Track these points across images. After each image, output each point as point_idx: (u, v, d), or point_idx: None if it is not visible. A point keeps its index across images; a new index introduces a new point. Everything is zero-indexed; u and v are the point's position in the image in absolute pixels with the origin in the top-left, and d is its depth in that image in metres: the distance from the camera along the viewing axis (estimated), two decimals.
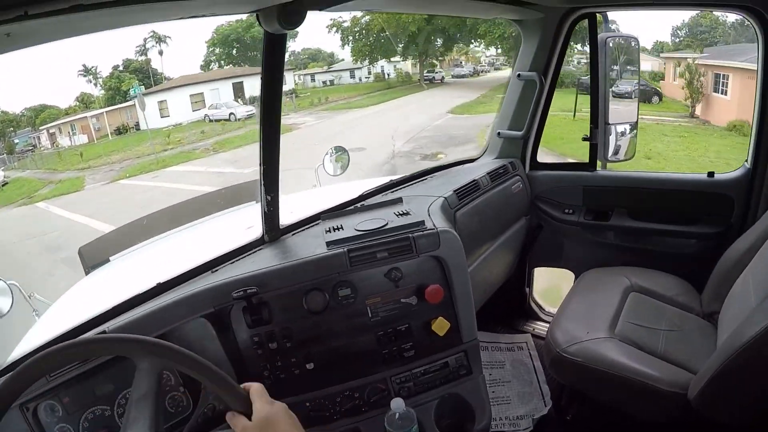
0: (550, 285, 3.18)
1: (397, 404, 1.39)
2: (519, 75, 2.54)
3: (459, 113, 18.66)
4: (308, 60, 33.28)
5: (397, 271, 1.63)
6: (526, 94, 2.57)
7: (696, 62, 13.19)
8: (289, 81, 31.85)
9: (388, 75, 34.82)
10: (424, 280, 1.64)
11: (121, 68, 26.13)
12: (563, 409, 2.43)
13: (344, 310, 1.59)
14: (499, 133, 2.71)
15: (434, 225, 1.65)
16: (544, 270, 3.01)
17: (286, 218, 1.80)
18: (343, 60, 33.94)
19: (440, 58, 35.16)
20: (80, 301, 2.46)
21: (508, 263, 2.73)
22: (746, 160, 2.26)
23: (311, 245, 1.65)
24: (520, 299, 3.03)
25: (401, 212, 1.76)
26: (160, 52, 27.88)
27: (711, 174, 2.34)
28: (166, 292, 1.55)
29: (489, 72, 38.17)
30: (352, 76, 34.50)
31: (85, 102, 24.26)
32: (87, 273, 2.79)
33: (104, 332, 1.34)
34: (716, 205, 2.32)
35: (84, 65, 24.63)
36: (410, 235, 1.61)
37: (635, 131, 2.60)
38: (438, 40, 33.12)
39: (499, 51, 30.97)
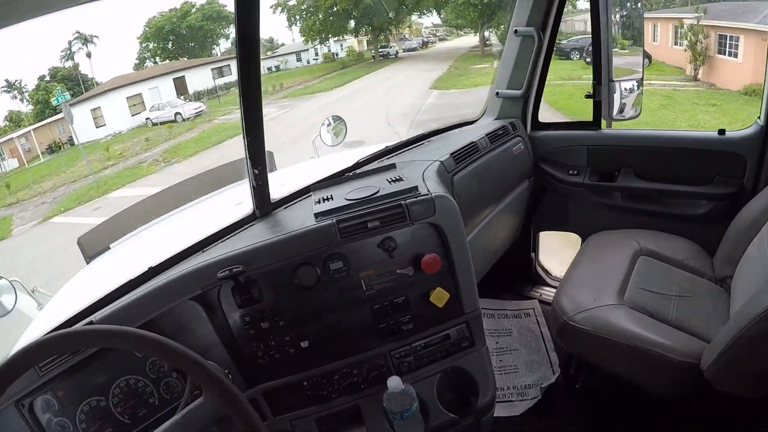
0: (556, 248, 2.96)
1: (394, 383, 1.31)
2: (516, 31, 2.32)
3: (444, 88, 17.52)
4: None
5: (390, 240, 1.48)
6: (524, 51, 2.36)
7: (699, 23, 12.34)
8: (235, 72, 25.51)
9: (336, 55, 33.79)
10: (419, 249, 1.49)
11: (47, 78, 23.96)
12: (572, 377, 2.27)
13: (337, 285, 1.46)
14: (497, 93, 2.51)
15: (428, 190, 1.51)
16: (550, 233, 2.79)
17: (277, 192, 1.66)
18: (283, 44, 32.64)
19: (392, 33, 34.22)
20: (81, 291, 2.36)
21: (512, 228, 2.55)
22: (759, 117, 2.06)
23: (301, 218, 1.52)
24: (525, 264, 2.83)
25: (394, 178, 1.61)
26: (88, 55, 25.48)
27: (722, 132, 2.13)
28: (157, 276, 1.44)
29: (435, 43, 37.87)
30: (299, 59, 33.16)
31: (14, 120, 22.20)
32: (88, 262, 2.71)
33: (91, 323, 1.28)
34: (728, 165, 2.14)
35: (6, 80, 22.38)
36: (403, 202, 1.47)
37: (641, 88, 2.39)
38: (392, 12, 31.56)
39: (458, 21, 30.51)
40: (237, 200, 2.21)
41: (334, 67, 30.39)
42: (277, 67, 31.24)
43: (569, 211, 2.65)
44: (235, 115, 20.99)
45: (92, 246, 2.79)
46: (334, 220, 1.47)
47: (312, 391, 1.49)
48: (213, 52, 29.83)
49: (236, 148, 2.37)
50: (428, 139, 2.36)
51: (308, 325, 1.48)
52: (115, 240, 2.79)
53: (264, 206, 1.68)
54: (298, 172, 2.83)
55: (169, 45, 27.91)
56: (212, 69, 27.43)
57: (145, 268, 1.51)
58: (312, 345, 1.48)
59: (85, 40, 24.68)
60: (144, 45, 27.83)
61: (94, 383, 1.35)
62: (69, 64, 23.42)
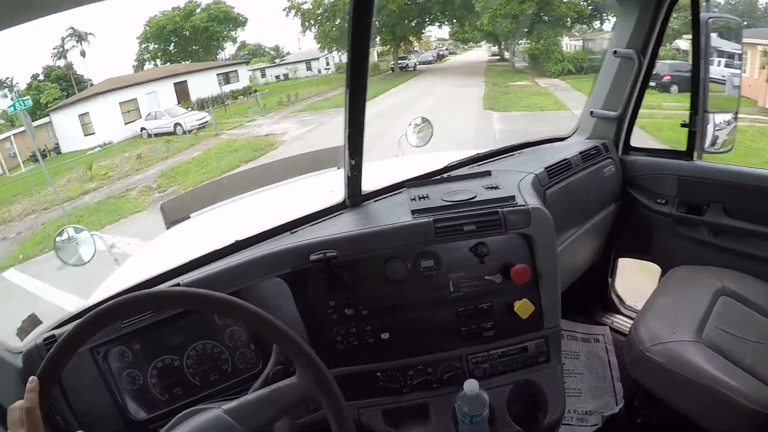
0: (632, 277, 2.97)
1: (471, 386, 1.32)
2: (615, 52, 2.31)
3: (502, 109, 15.97)
4: (249, 56, 30.59)
5: (483, 246, 1.48)
6: (622, 72, 2.35)
7: None
8: (243, 78, 28.11)
9: None
10: (510, 258, 1.51)
11: (41, 77, 22.37)
12: (635, 410, 2.23)
13: (425, 282, 1.48)
14: (591, 112, 2.44)
15: (525, 201, 1.52)
16: (628, 260, 2.74)
17: (368, 184, 1.68)
18: (289, 53, 31.62)
19: (413, 43, 32.65)
20: (159, 254, 2.52)
21: (593, 250, 2.49)
22: None
23: (394, 213, 1.56)
24: (601, 289, 2.76)
25: (490, 186, 1.63)
26: (83, 53, 23.98)
27: None
28: (243, 250, 1.53)
29: (448, 57, 37.91)
30: (309, 68, 31.65)
31: (10, 119, 20.67)
32: (168, 228, 2.80)
33: (178, 285, 1.36)
34: None
35: None
36: (500, 209, 1.49)
37: (735, 122, 2.35)
38: (416, 20, 29.81)
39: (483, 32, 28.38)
40: (329, 187, 2.23)
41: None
42: (286, 76, 30.03)
43: (652, 240, 2.53)
44: (247, 130, 19.07)
45: (173, 213, 2.85)
46: (431, 219, 1.47)
47: (384, 382, 1.49)
48: (218, 56, 28.35)
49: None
50: (519, 151, 2.29)
51: (391, 317, 1.48)
52: (197, 210, 2.85)
53: (355, 196, 1.68)
54: (385, 168, 2.82)
55: (171, 47, 26.21)
56: (218, 74, 25.50)
57: (231, 241, 1.56)
58: (392, 338, 1.48)
59: (80, 37, 23.16)
60: (144, 45, 26.08)
61: (171, 342, 1.40)
62: (62, 62, 21.88)
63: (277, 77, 29.08)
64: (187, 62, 24.83)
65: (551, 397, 1.56)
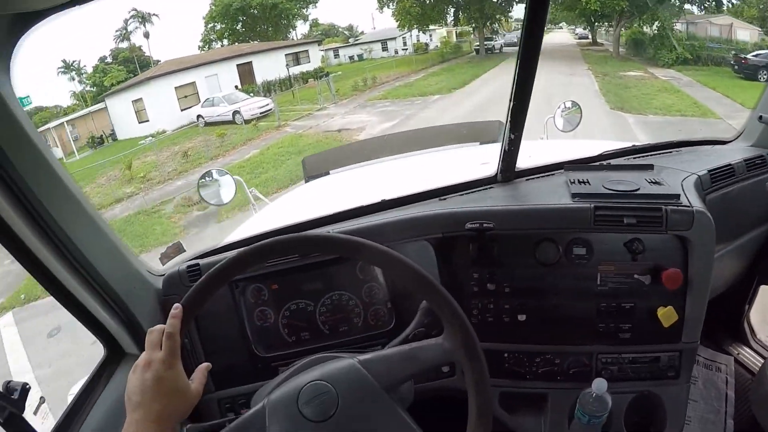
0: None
1: (600, 385, 1.32)
2: None
3: (634, 111, 13.10)
4: (322, 36, 28.38)
5: (639, 242, 1.43)
6: None
7: None
8: (314, 59, 25.56)
9: (427, 46, 29.74)
10: (663, 260, 1.45)
11: (108, 60, 21.20)
12: None
13: (574, 270, 1.47)
14: (761, 117, 2.20)
15: (690, 202, 1.46)
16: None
17: (522, 161, 1.68)
18: (363, 33, 29.44)
19: (501, 22, 28.75)
20: (296, 205, 2.70)
21: (736, 271, 2.30)
22: None
23: (550, 194, 1.54)
24: (734, 316, 2.54)
25: (653, 180, 1.56)
26: (146, 35, 22.58)
27: None
28: (389, 210, 1.59)
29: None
30: (385, 49, 28.81)
31: (85, 98, 19.98)
32: (306, 181, 2.99)
33: (329, 232, 1.34)
34: None
35: (64, 60, 20.42)
36: (664, 207, 1.42)
37: None
38: None
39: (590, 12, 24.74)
40: (482, 160, 2.25)
41: (431, 59, 25.97)
42: (360, 57, 27.71)
43: None
44: (317, 122, 16.94)
45: (314, 167, 3.00)
46: (592, 206, 1.43)
47: (510, 365, 1.51)
48: (289, 36, 26.43)
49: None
50: (678, 149, 2.18)
51: (531, 300, 1.49)
52: (337, 168, 2.95)
53: (508, 172, 1.67)
54: (532, 149, 2.47)
55: (239, 26, 24.39)
56: (286, 55, 23.23)
57: (378, 199, 1.63)
58: (528, 321, 1.49)
59: (143, 18, 22.17)
60: (210, 26, 24.37)
61: (309, 288, 1.48)
62: (125, 44, 21.20)
63: (351, 58, 27.26)
64: (256, 42, 23.41)
65: (671, 417, 1.51)
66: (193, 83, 18.87)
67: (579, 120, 2.72)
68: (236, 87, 19.02)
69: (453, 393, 1.18)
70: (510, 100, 1.45)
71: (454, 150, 2.87)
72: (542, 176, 1.71)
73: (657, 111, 12.91)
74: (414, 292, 1.05)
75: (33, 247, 1.11)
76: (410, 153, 2.91)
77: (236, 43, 23.01)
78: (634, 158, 1.94)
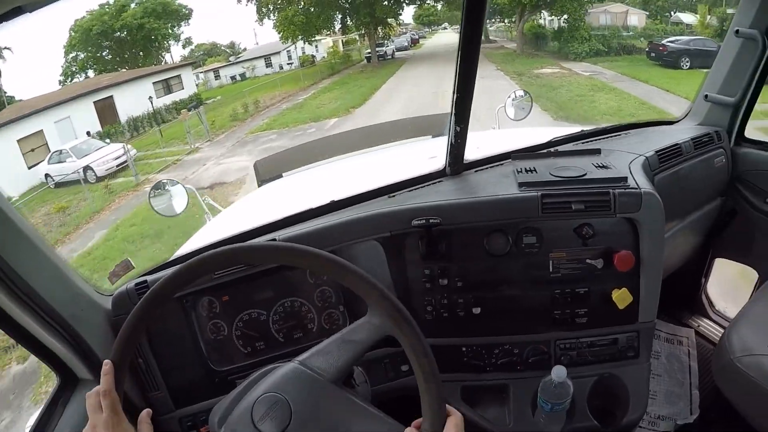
0: (724, 280, 2.79)
1: (559, 372, 1.35)
2: (737, 31, 2.17)
3: (582, 120, 11.99)
4: (204, 56, 26.93)
5: (589, 227, 1.49)
6: (744, 55, 2.22)
7: None
8: (188, 84, 22.26)
9: (314, 57, 27.82)
10: (614, 243, 1.51)
11: None
12: (710, 422, 2.20)
13: (525, 259, 1.52)
14: (706, 96, 2.33)
15: (637, 184, 1.52)
16: (723, 262, 2.63)
17: (471, 153, 1.74)
18: (245, 50, 27.72)
19: (393, 26, 27.18)
20: (250, 210, 2.72)
21: (691, 247, 2.38)
22: None
23: (499, 184, 1.59)
24: (692, 289, 2.61)
25: (600, 164, 1.62)
26: None
27: None
28: (338, 211, 1.62)
29: (420, 42, 34.41)
30: (269, 65, 26.85)
31: None
32: (259, 185, 3.02)
33: (274, 240, 1.45)
34: None
35: None
36: (611, 190, 1.48)
37: None
38: None
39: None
40: (427, 154, 2.35)
41: (320, 72, 24.17)
42: (243, 76, 25.80)
43: (755, 243, 2.43)
44: (184, 173, 14.07)
45: (266, 171, 3.02)
46: (539, 194, 1.48)
47: (468, 358, 1.55)
48: (164, 60, 23.77)
49: None
50: (626, 131, 2.25)
51: (485, 292, 1.54)
52: (289, 170, 3.01)
53: (456, 164, 1.71)
54: (482, 139, 2.67)
55: (105, 53, 21.35)
56: (155, 83, 20.65)
57: (327, 201, 1.67)
58: (483, 313, 1.54)
59: None
60: (71, 55, 21.26)
61: (260, 297, 1.51)
62: None
63: (233, 78, 25.37)
64: (120, 71, 20.64)
65: (634, 396, 1.57)
66: (40, 132, 15.84)
67: (530, 108, 2.78)
68: (88, 133, 16.61)
69: (414, 392, 1.08)
70: (453, 93, 1.49)
71: (406, 145, 2.94)
72: (491, 167, 1.76)
73: (609, 118, 12.19)
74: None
75: None
76: (363, 150, 2.94)
77: (103, 73, 20.47)
78: (583, 143, 2.02)
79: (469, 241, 1.49)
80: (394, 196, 1.65)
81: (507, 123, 2.89)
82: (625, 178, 1.50)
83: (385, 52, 26.43)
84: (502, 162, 1.75)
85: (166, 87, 20.01)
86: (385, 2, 23.20)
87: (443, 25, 37.25)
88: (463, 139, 1.58)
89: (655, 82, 14.88)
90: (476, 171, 1.72)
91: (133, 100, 18.03)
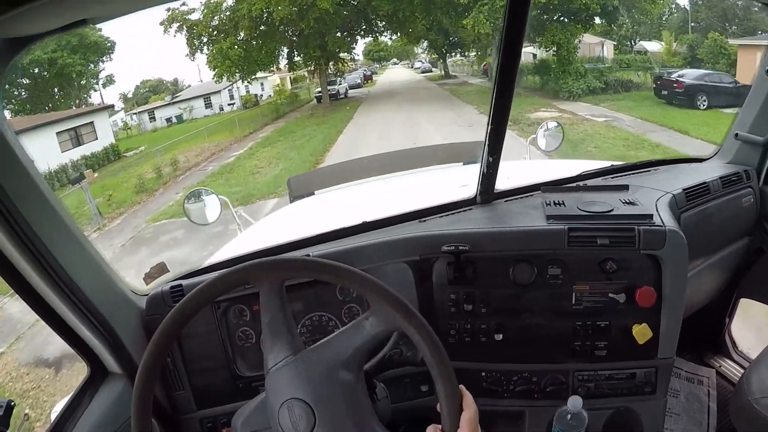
0: (750, 320, 2.66)
1: (575, 402, 1.42)
2: (767, 71, 2.50)
3: None
4: (149, 93, 24.26)
5: (613, 262, 1.54)
6: None
7: None
8: (104, 132, 18.06)
9: (260, 97, 24.18)
10: (637, 279, 1.56)
11: None
12: None
13: (549, 290, 1.58)
14: (737, 135, 2.24)
15: (662, 222, 1.57)
16: (750, 303, 2.50)
17: (501, 183, 1.82)
18: (188, 86, 24.35)
19: (346, 61, 23.74)
20: (281, 225, 2.84)
21: (715, 285, 2.36)
22: None
23: (526, 215, 1.68)
24: (715, 329, 2.58)
25: (627, 200, 1.68)
26: None
27: None
28: (370, 232, 1.70)
29: (373, 79, 32.15)
30: (208, 105, 23.20)
31: None
32: (291, 201, 3.14)
33: (308, 256, 1.54)
34: None
35: None
36: (636, 227, 1.53)
37: None
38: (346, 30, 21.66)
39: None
40: (458, 181, 2.41)
41: (263, 115, 20.16)
42: (180, 117, 22.18)
43: None
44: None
45: (299, 188, 3.14)
46: (566, 227, 1.56)
47: (487, 383, 1.63)
48: (89, 101, 20.28)
49: None
50: (655, 168, 2.24)
51: (508, 320, 1.61)
52: (321, 188, 3.12)
53: (487, 194, 1.80)
54: (513, 169, 2.68)
55: (22, 92, 17.85)
56: (59, 133, 16.47)
57: (359, 221, 1.77)
58: (505, 340, 1.61)
59: None
60: None
61: (290, 309, 1.41)
62: None
63: (168, 120, 22.14)
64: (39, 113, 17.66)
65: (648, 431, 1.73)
66: None
67: (561, 140, 2.83)
68: None
69: (432, 413, 1.13)
70: (488, 124, 1.58)
71: (437, 171, 3.01)
72: (521, 197, 1.85)
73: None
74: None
75: (18, 266, 1.15)
76: (394, 174, 3.01)
77: (20, 116, 17.64)
78: (611, 178, 2.09)
79: (495, 269, 1.57)
80: (425, 220, 1.74)
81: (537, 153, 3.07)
82: (650, 216, 1.57)
83: (338, 90, 24.38)
84: (531, 193, 1.85)
85: (75, 137, 17.11)
86: (338, 34, 21.24)
87: (392, 60, 36.86)
88: (495, 169, 1.67)
89: (678, 126, 13.12)
90: (506, 201, 1.82)
91: (38, 154, 14.74)
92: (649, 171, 2.13)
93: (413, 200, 1.86)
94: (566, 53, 17.73)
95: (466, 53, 26.70)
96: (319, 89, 23.74)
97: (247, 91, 23.39)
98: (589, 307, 1.55)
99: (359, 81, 28.53)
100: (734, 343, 2.53)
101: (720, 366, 2.46)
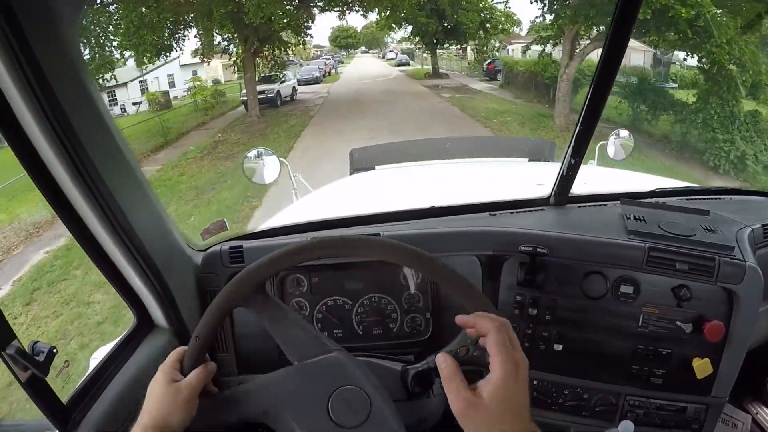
0: None
1: (627, 427, 1.51)
2: None
3: None
4: None
5: (687, 290, 1.54)
6: None
7: None
8: None
9: (168, 96, 16.51)
10: (707, 311, 1.57)
11: None
12: None
13: (617, 307, 1.61)
14: None
15: (743, 257, 1.57)
16: None
17: (576, 187, 1.90)
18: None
19: (290, 48, 15.28)
20: (340, 196, 3.02)
21: None
22: None
23: (604, 226, 1.68)
24: (760, 375, 2.42)
25: (708, 227, 1.69)
26: None
27: None
28: (438, 217, 1.80)
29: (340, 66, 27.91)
30: (113, 101, 15.41)
31: None
32: (351, 173, 3.33)
33: (378, 235, 1.62)
34: None
35: None
36: (717, 257, 1.54)
37: None
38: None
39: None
40: (530, 176, 2.64)
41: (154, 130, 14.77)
42: None
43: None
44: None
45: (360, 160, 3.32)
46: (647, 246, 1.60)
47: (538, 393, 1.72)
48: None
49: None
50: (730, 196, 2.28)
51: (571, 331, 1.68)
52: (383, 164, 3.33)
53: (562, 196, 1.88)
54: (588, 174, 2.53)
55: None
56: None
57: (423, 203, 1.92)
58: (563, 351, 1.69)
59: None
60: None
61: (350, 287, 1.68)
62: None
63: None
64: None
65: None
66: None
67: (631, 149, 2.91)
68: None
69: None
70: (576, 125, 1.65)
71: (502, 163, 3.14)
72: (597, 205, 1.96)
73: None
74: (458, 306, 1.08)
75: (76, 205, 1.17)
76: (458, 160, 3.16)
77: None
78: (687, 200, 2.17)
79: (567, 277, 1.65)
80: (495, 215, 1.83)
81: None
82: (732, 248, 1.63)
83: (277, 92, 16.29)
84: (607, 203, 1.96)
85: None
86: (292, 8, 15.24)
87: (361, 49, 32.13)
88: (575, 172, 1.76)
89: None
90: (579, 206, 1.93)
91: None
92: (724, 198, 2.18)
93: (479, 189, 1.96)
94: (754, 65, 9.24)
95: (463, 45, 21.35)
96: (245, 91, 16.01)
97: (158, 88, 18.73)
98: (654, 332, 1.62)
99: (317, 75, 21.08)
100: None
101: (757, 413, 2.36)
